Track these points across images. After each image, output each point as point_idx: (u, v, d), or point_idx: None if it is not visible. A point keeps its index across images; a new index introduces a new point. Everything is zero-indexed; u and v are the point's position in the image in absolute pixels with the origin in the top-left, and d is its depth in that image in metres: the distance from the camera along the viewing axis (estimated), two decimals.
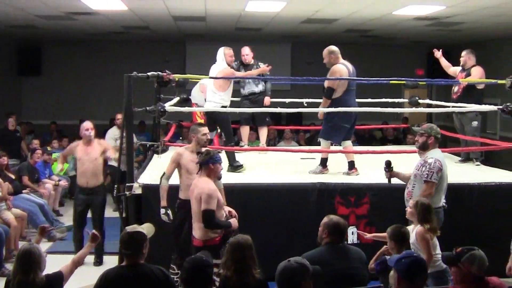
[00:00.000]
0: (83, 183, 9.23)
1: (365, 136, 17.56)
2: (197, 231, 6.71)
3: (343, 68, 8.84)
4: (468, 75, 9.96)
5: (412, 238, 6.28)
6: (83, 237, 9.09)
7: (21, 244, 7.31)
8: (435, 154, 7.16)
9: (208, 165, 6.78)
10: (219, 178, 7.31)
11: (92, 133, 9.32)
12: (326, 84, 8.88)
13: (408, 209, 6.43)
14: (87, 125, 9.36)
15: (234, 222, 6.88)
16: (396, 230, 6.07)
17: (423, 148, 7.25)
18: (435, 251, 6.24)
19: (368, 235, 6.99)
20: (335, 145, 9.44)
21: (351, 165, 9.23)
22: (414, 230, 6.31)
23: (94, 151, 9.28)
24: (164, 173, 7.60)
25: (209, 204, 6.54)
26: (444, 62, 10.70)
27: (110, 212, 12.13)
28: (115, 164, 9.94)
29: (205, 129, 7.67)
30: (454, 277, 4.86)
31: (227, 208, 7.08)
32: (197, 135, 7.60)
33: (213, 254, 6.22)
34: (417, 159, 7.95)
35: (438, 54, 10.65)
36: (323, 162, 9.18)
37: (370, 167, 9.60)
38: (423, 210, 6.24)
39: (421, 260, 4.52)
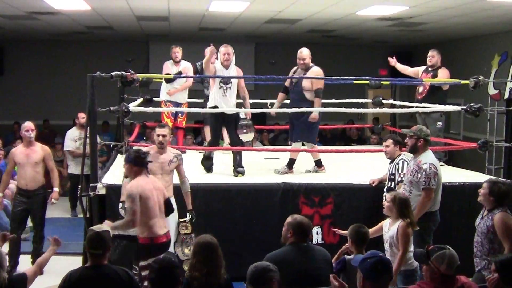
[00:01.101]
0: (22, 185, 8.86)
1: (327, 136, 17.62)
2: (164, 228, 6.79)
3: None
4: (435, 76, 9.97)
5: (391, 231, 6.29)
6: (20, 241, 8.94)
7: None
8: (428, 158, 7.16)
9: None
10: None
11: (33, 134, 8.82)
12: (316, 85, 9.03)
13: (386, 204, 6.45)
14: (28, 125, 8.83)
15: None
16: (356, 230, 6.06)
17: (413, 150, 7.25)
18: (409, 249, 6.28)
19: (343, 232, 6.91)
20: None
21: (319, 163, 9.37)
22: (393, 224, 6.32)
23: (35, 155, 8.83)
24: None
25: None
26: (400, 67, 10.71)
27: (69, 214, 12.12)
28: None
29: (161, 130, 7.56)
30: (425, 275, 4.87)
31: None
32: (154, 135, 7.63)
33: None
34: (383, 159, 8.02)
35: (392, 62, 10.72)
36: (291, 163, 9.22)
37: (334, 168, 9.66)
38: (401, 205, 6.27)
39: (385, 260, 4.53)
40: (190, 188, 7.61)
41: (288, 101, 9.59)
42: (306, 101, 9.09)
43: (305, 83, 9.10)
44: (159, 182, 7.00)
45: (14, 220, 8.98)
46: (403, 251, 6.12)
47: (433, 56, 10.12)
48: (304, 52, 9.14)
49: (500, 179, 7.02)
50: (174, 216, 7.44)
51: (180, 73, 10.80)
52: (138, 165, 6.72)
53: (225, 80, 9.09)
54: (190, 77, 10.64)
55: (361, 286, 4.40)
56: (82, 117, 11.54)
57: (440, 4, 10.87)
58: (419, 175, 7.02)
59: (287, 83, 9.53)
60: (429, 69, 10.14)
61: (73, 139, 12.16)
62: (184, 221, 7.38)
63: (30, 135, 8.78)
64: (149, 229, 6.60)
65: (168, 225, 6.96)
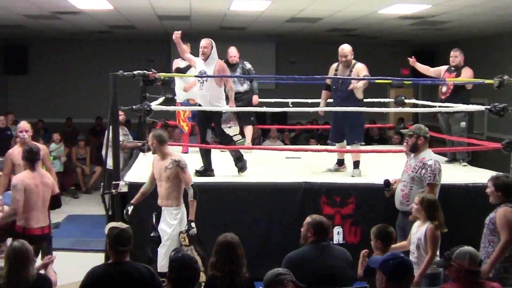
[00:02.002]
0: None
1: None
2: (47, 218, 7.47)
3: None
4: (458, 75, 9.87)
5: (419, 234, 6.24)
6: None
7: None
8: (432, 155, 7.21)
9: None
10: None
11: (27, 135, 8.67)
12: (363, 83, 8.77)
13: (414, 206, 6.41)
14: (23, 126, 8.74)
15: None
16: (383, 230, 6.08)
17: (414, 149, 7.25)
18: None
19: None
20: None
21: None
22: (421, 226, 6.27)
23: None
24: None
25: None
26: (421, 67, 10.57)
27: (95, 210, 12.15)
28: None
29: (149, 135, 7.51)
30: (451, 277, 4.85)
31: None
32: None
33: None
34: (404, 159, 7.97)
35: (412, 61, 10.60)
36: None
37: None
38: (430, 207, 6.23)
39: (407, 261, 4.50)
40: (196, 197, 7.17)
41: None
42: (356, 100, 8.86)
43: (354, 81, 8.81)
44: (49, 178, 7.47)
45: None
46: (432, 254, 6.06)
47: (456, 56, 10.01)
48: (346, 49, 8.89)
49: (501, 173, 6.97)
50: (170, 224, 7.28)
51: (190, 66, 10.77)
52: (25, 159, 7.32)
53: (201, 74, 8.90)
54: (196, 76, 10.58)
55: (383, 287, 4.37)
56: (120, 114, 11.15)
57: (463, 2, 10.81)
58: (423, 171, 7.05)
59: (328, 81, 9.28)
60: (452, 68, 10.05)
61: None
62: (182, 232, 7.17)
63: (24, 136, 8.66)
64: (25, 220, 7.13)
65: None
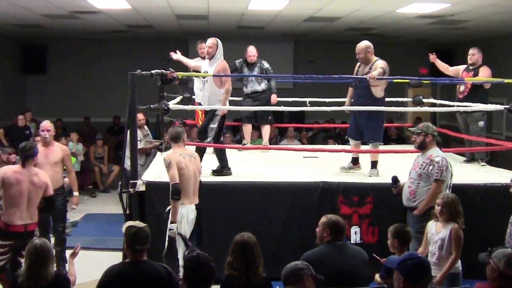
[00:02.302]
0: None
1: None
2: (35, 216, 7.30)
3: None
4: (476, 74, 9.81)
5: (442, 234, 6.19)
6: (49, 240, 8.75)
7: None
8: (439, 152, 7.22)
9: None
10: None
11: (48, 135, 8.52)
12: (378, 72, 8.54)
13: (437, 208, 6.36)
14: (45, 125, 8.59)
15: None
16: (400, 229, 6.08)
17: (422, 147, 7.29)
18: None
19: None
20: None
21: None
22: (444, 226, 6.22)
23: (54, 155, 8.53)
24: None
25: None
26: (440, 64, 10.52)
27: (113, 209, 12.19)
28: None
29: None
30: (487, 275, 4.78)
31: None
32: None
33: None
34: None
35: (433, 58, 10.54)
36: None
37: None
38: (454, 205, 6.23)
39: (425, 261, 4.49)
40: (173, 197, 7.01)
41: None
42: (374, 99, 8.75)
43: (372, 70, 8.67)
44: (41, 178, 7.34)
45: (39, 225, 8.44)
46: (457, 254, 6.05)
47: (473, 54, 9.96)
48: (359, 46, 8.82)
49: None
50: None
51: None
52: (19, 155, 7.40)
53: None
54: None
55: (401, 287, 4.35)
56: (140, 118, 10.96)
57: (482, 1, 10.75)
58: (431, 167, 7.08)
59: None
60: (470, 67, 9.99)
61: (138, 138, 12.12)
62: None
63: (45, 135, 8.55)
64: (7, 215, 7.12)
65: None
